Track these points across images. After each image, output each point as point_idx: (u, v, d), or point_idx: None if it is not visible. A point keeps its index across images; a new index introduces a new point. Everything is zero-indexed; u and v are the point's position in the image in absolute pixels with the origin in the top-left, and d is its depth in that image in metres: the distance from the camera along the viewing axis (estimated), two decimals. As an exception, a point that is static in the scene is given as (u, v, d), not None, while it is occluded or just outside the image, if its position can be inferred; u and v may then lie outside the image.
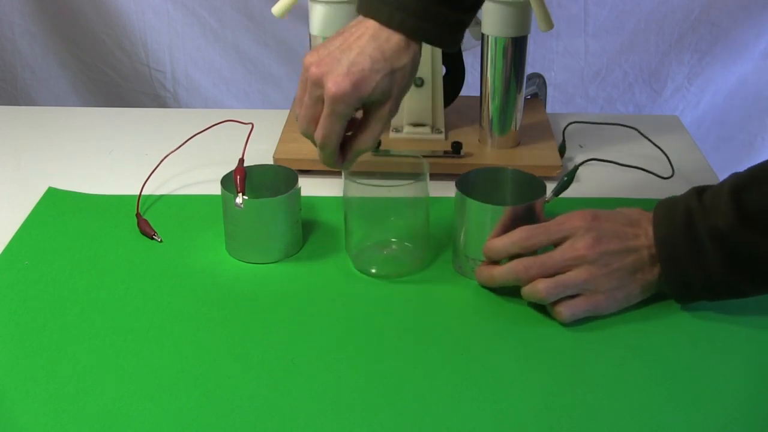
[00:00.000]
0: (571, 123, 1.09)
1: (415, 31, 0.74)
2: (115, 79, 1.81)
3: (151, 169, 0.94)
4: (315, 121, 0.75)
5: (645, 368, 0.68)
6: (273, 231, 0.81)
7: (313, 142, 0.76)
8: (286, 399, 0.65)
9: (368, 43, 0.73)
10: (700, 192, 0.72)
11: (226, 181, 0.81)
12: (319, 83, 0.73)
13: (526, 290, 0.73)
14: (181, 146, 0.94)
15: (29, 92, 1.81)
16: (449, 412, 0.64)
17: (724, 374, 0.68)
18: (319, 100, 0.74)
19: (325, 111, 0.73)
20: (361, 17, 0.75)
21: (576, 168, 0.86)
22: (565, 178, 0.85)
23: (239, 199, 0.79)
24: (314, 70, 0.73)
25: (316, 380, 0.67)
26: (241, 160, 0.85)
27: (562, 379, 0.67)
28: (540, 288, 0.71)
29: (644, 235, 0.72)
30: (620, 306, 0.73)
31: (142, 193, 0.92)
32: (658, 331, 0.72)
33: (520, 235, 0.74)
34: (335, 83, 0.72)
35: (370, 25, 0.73)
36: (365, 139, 0.76)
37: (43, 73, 1.80)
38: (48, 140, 1.09)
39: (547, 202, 0.79)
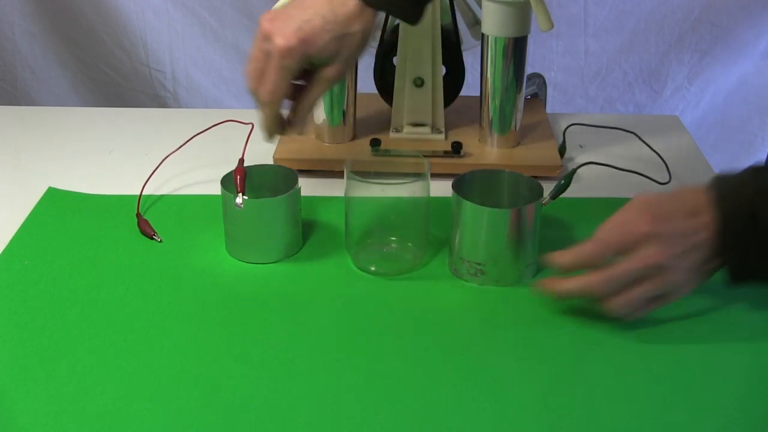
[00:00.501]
0: (571, 125, 1.09)
1: (376, 1, 0.76)
2: (115, 79, 1.81)
3: (152, 170, 0.94)
4: (262, 76, 0.76)
5: (645, 368, 0.68)
6: (273, 231, 0.81)
7: (258, 101, 0.78)
8: (286, 399, 0.65)
9: (323, 5, 0.75)
10: (760, 174, 0.70)
11: (226, 181, 0.81)
12: (268, 37, 0.75)
13: (607, 308, 0.71)
14: (181, 147, 0.94)
15: (29, 92, 1.81)
16: (449, 412, 0.63)
17: (724, 374, 0.68)
18: (268, 55, 0.75)
19: (272, 64, 0.75)
20: None
21: (574, 171, 0.85)
22: (563, 181, 0.84)
23: (239, 199, 0.79)
24: (266, 25, 0.75)
25: (316, 380, 0.67)
26: (241, 160, 0.85)
27: (562, 379, 0.67)
28: (621, 304, 0.70)
29: (704, 229, 0.69)
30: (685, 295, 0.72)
31: (143, 194, 0.91)
32: (658, 331, 0.72)
33: (582, 253, 0.71)
34: (284, 37, 0.73)
35: None
36: (305, 99, 0.79)
37: (43, 73, 1.80)
38: (48, 140, 1.09)
39: (545, 205, 0.79)
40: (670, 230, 0.68)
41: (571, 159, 1.03)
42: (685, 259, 0.69)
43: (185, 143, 0.95)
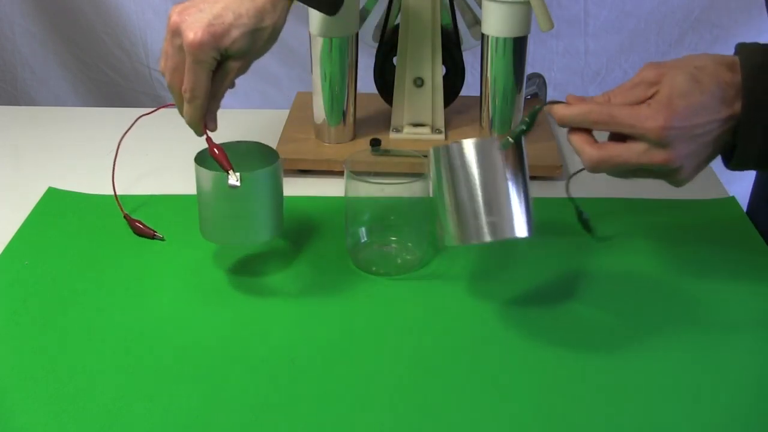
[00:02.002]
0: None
1: None
2: (115, 79, 1.81)
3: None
4: (179, 70, 0.75)
5: (645, 369, 0.68)
6: (268, 205, 0.76)
7: (178, 97, 0.76)
8: (286, 399, 0.65)
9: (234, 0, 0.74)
10: None
11: (205, 164, 0.74)
12: (177, 32, 0.74)
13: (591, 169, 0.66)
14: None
15: (29, 92, 1.81)
16: (449, 412, 0.63)
17: (724, 374, 0.68)
18: (180, 49, 0.74)
19: (188, 60, 0.73)
20: None
21: (536, 111, 0.69)
22: (527, 119, 0.69)
23: (233, 179, 0.72)
24: (175, 18, 0.74)
25: (316, 380, 0.67)
26: (210, 139, 0.77)
27: (563, 379, 0.67)
28: (610, 173, 0.66)
29: (729, 119, 0.64)
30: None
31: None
32: (658, 331, 0.72)
33: (582, 109, 0.66)
34: (194, 32, 0.72)
35: None
36: (214, 93, 0.77)
37: (43, 73, 1.80)
38: (48, 140, 1.09)
39: (503, 147, 0.67)
40: (689, 128, 0.63)
41: (571, 159, 1.03)
42: (696, 157, 0.65)
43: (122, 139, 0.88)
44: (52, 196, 0.94)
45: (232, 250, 0.83)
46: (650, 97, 0.64)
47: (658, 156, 0.63)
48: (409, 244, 0.83)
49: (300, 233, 0.86)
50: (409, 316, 0.74)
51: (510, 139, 0.66)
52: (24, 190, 0.95)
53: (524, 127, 0.68)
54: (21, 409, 0.64)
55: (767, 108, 0.63)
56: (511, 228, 0.67)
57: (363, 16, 1.05)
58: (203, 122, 0.77)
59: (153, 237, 0.85)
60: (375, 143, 1.01)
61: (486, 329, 0.73)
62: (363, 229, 0.82)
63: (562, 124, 0.68)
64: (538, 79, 1.18)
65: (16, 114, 1.20)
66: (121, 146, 1.08)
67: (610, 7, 1.74)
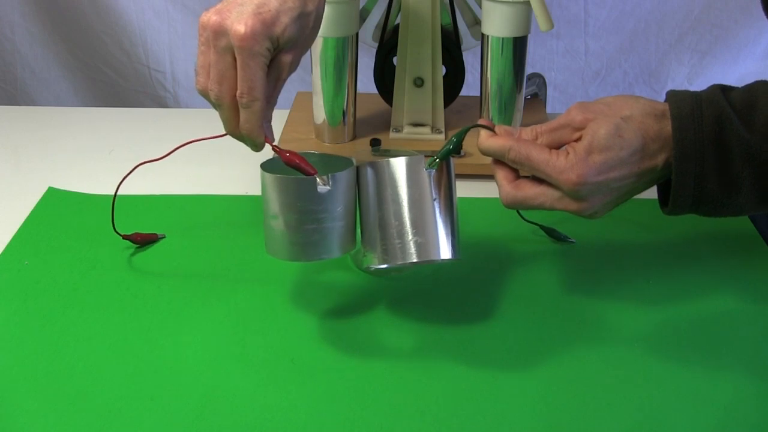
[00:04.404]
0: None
1: None
2: (115, 79, 1.81)
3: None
4: (227, 78, 0.67)
5: (645, 368, 0.68)
6: (355, 208, 0.69)
7: (228, 111, 0.69)
8: (286, 399, 0.65)
9: None
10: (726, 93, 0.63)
11: (275, 170, 0.68)
12: (222, 31, 0.66)
13: (502, 195, 0.66)
14: (167, 154, 0.87)
15: (29, 92, 1.81)
16: (449, 412, 0.63)
17: (724, 374, 0.68)
18: (227, 51, 0.66)
19: (240, 59, 0.66)
20: None
21: (464, 131, 0.68)
22: (454, 139, 0.68)
23: (322, 182, 0.65)
24: (215, 18, 0.66)
25: (316, 380, 0.67)
26: (277, 147, 0.70)
27: (563, 379, 0.67)
28: (514, 202, 0.65)
29: (652, 170, 0.63)
30: None
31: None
32: (659, 330, 0.72)
33: (503, 145, 0.65)
34: (243, 23, 0.65)
35: None
36: (270, 95, 0.70)
37: (43, 73, 1.80)
38: (48, 140, 1.09)
39: (430, 166, 0.66)
40: (604, 182, 0.63)
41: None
42: (611, 204, 0.65)
43: (174, 150, 0.86)
44: (52, 196, 0.94)
45: (232, 250, 0.83)
46: (575, 140, 0.64)
47: (571, 205, 0.64)
48: (409, 244, 0.83)
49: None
50: (408, 315, 0.74)
51: (437, 159, 0.66)
52: (24, 190, 0.95)
53: (450, 147, 0.67)
54: (21, 409, 0.63)
55: (697, 158, 0.62)
56: (437, 249, 0.66)
57: (363, 16, 1.05)
58: (263, 131, 0.69)
59: (154, 240, 0.85)
60: (375, 143, 1.01)
61: (486, 329, 0.73)
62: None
63: (483, 154, 0.67)
64: (538, 79, 1.18)
65: (16, 114, 1.20)
66: (120, 146, 1.08)
67: (610, 7, 1.74)
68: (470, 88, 1.09)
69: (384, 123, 1.06)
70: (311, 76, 1.00)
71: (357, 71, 1.02)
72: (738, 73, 1.81)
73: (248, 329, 0.73)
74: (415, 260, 0.66)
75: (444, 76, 1.03)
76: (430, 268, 0.80)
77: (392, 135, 1.04)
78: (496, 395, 0.65)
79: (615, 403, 0.64)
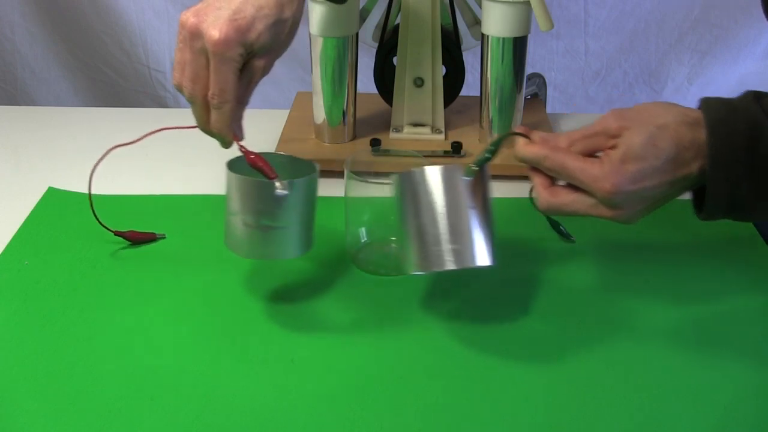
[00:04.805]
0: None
1: None
2: (115, 79, 1.81)
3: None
4: (200, 77, 0.70)
5: (645, 368, 0.68)
6: (311, 213, 0.72)
7: (200, 108, 0.72)
8: (286, 399, 0.65)
9: None
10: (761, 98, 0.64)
11: (244, 171, 0.70)
12: (198, 33, 0.69)
13: (537, 201, 0.67)
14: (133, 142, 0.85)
15: (29, 92, 1.81)
16: (449, 412, 0.63)
17: (725, 374, 0.68)
18: (202, 52, 0.69)
19: (213, 62, 0.69)
20: None
21: (501, 139, 0.70)
22: (491, 147, 0.69)
23: (281, 187, 0.67)
24: (193, 20, 0.69)
25: (316, 380, 0.67)
26: (243, 147, 0.73)
27: (562, 379, 0.67)
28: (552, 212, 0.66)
29: (687, 178, 0.64)
30: None
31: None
32: (658, 330, 0.72)
33: (538, 153, 0.65)
34: (218, 29, 0.68)
35: None
36: (241, 97, 0.72)
37: (43, 73, 1.80)
38: (48, 140, 1.09)
39: (466, 174, 0.66)
40: (639, 191, 0.63)
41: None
42: (646, 210, 0.65)
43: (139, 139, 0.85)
44: (52, 196, 0.94)
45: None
46: (610, 147, 0.64)
47: (606, 212, 0.64)
48: (409, 244, 0.83)
49: (300, 233, 0.86)
50: (409, 316, 0.74)
51: (474, 167, 0.66)
52: (24, 190, 0.95)
53: (488, 155, 0.68)
54: (21, 409, 0.63)
55: (730, 165, 0.63)
56: (473, 256, 0.66)
57: (363, 16, 1.05)
58: (232, 130, 0.73)
59: (152, 240, 0.85)
60: (375, 143, 1.01)
61: (487, 328, 0.73)
62: (363, 229, 0.82)
63: (519, 161, 0.68)
64: (538, 79, 1.18)
65: (16, 114, 1.20)
66: (120, 146, 1.08)
67: (610, 7, 1.74)
68: (470, 88, 1.09)
69: (384, 123, 1.06)
70: (311, 76, 1.00)
71: (357, 71, 1.01)
72: (738, 73, 1.81)
73: (248, 329, 0.73)
74: (452, 267, 0.66)
75: (444, 76, 1.03)
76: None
77: (392, 135, 1.04)
78: (497, 395, 0.65)
79: (615, 403, 0.64)
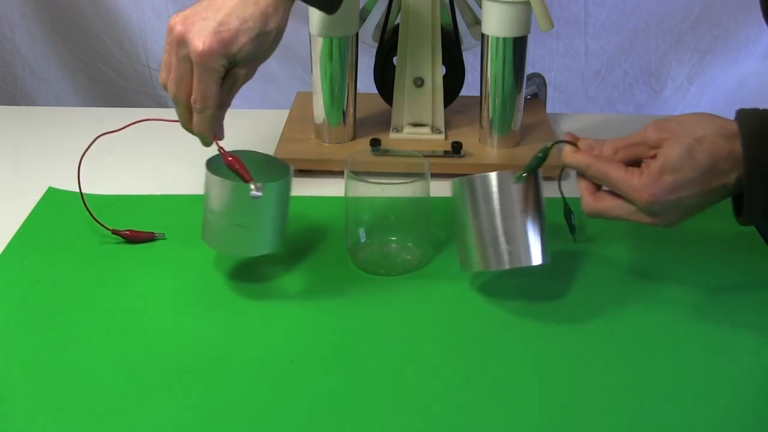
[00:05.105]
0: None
1: None
2: (115, 79, 1.81)
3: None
4: (184, 81, 0.74)
5: (645, 368, 0.68)
6: (282, 215, 0.77)
7: (184, 109, 0.76)
8: (286, 399, 0.65)
9: (237, 5, 0.73)
10: None
11: (217, 172, 0.74)
12: (183, 42, 0.72)
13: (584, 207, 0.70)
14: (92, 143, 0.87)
15: (29, 92, 1.81)
16: (449, 411, 0.63)
17: (725, 374, 0.68)
18: (186, 60, 0.73)
19: (196, 71, 0.72)
20: None
21: (549, 147, 0.73)
22: (540, 154, 0.72)
23: (255, 190, 0.72)
24: (179, 28, 0.72)
25: (316, 380, 0.67)
26: (222, 149, 0.77)
27: (563, 379, 0.67)
28: (597, 211, 0.69)
29: (723, 188, 0.66)
30: None
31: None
32: (659, 330, 0.72)
33: (583, 161, 0.69)
34: (202, 41, 0.71)
35: None
36: (220, 102, 0.76)
37: (43, 73, 1.80)
38: (48, 140, 1.09)
39: (517, 180, 0.71)
40: (676, 200, 0.66)
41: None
42: (684, 216, 0.68)
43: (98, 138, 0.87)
44: (52, 196, 0.94)
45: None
46: (651, 157, 0.67)
47: (646, 219, 0.68)
48: (409, 244, 0.83)
49: (300, 233, 0.86)
50: (409, 316, 0.74)
51: (524, 174, 0.71)
52: (24, 190, 0.95)
53: (536, 163, 0.72)
54: (21, 409, 0.64)
55: (765, 175, 0.65)
56: (528, 256, 0.72)
57: (363, 16, 1.05)
58: (212, 132, 0.77)
59: (152, 239, 0.85)
60: (375, 143, 1.01)
61: (486, 329, 0.73)
62: (363, 229, 0.82)
63: (566, 167, 0.72)
64: (538, 79, 1.18)
65: (16, 114, 1.20)
66: (120, 146, 1.08)
67: (610, 7, 1.74)
68: (470, 88, 1.09)
69: (384, 123, 1.06)
70: (311, 76, 1.00)
71: (357, 71, 1.01)
72: (738, 73, 1.81)
73: (248, 329, 0.73)
74: (507, 267, 0.72)
75: (444, 76, 1.03)
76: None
77: (392, 135, 1.04)
78: (498, 395, 0.65)
79: (615, 403, 0.64)
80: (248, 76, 0.77)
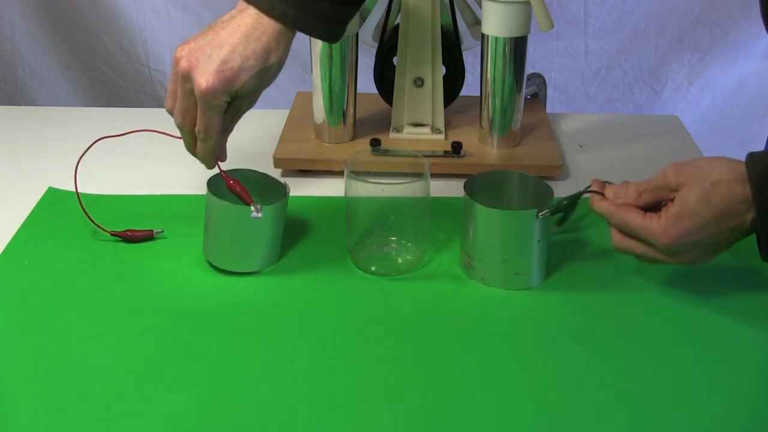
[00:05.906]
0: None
1: (295, 22, 0.76)
2: (115, 79, 1.81)
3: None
4: (189, 113, 0.76)
5: (645, 368, 0.68)
6: (278, 234, 0.81)
7: (188, 136, 0.78)
8: (286, 399, 0.65)
9: (240, 41, 0.74)
10: None
11: (217, 191, 0.79)
12: (188, 77, 0.74)
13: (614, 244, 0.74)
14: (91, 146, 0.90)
15: (29, 92, 1.81)
16: (449, 411, 0.63)
17: (725, 374, 0.68)
18: (191, 94, 0.75)
19: (200, 106, 0.75)
20: (238, 6, 0.76)
21: (578, 196, 0.77)
22: (565, 202, 0.78)
23: (256, 212, 0.77)
24: (184, 65, 0.74)
25: (316, 380, 0.67)
26: (222, 172, 0.81)
27: (563, 379, 0.67)
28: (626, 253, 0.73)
29: (739, 229, 0.70)
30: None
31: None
32: (659, 330, 0.72)
33: (606, 210, 0.73)
34: (205, 79, 0.73)
35: (243, 23, 0.75)
36: (222, 129, 0.78)
37: (43, 73, 1.80)
38: (48, 140, 1.09)
39: (539, 217, 0.76)
40: (694, 242, 0.69)
41: (571, 159, 1.03)
42: (707, 255, 0.72)
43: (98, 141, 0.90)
44: (52, 196, 0.94)
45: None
46: (671, 199, 0.70)
47: (668, 258, 0.71)
48: (409, 244, 0.83)
49: (300, 233, 0.86)
50: (409, 316, 0.74)
51: (546, 214, 0.76)
52: (24, 190, 0.95)
53: (562, 214, 0.82)
54: (21, 409, 0.64)
55: None
56: (535, 279, 0.79)
57: (363, 16, 1.05)
58: (215, 157, 0.79)
59: (151, 238, 0.85)
60: (375, 143, 1.01)
61: (486, 329, 0.73)
62: (363, 230, 0.82)
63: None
64: (538, 79, 1.18)
65: (16, 114, 1.20)
66: (120, 147, 1.08)
67: (610, 7, 1.74)
68: (470, 88, 1.09)
69: (384, 123, 1.06)
70: (311, 76, 1.00)
71: (357, 71, 1.02)
72: (738, 73, 1.81)
73: (248, 329, 0.73)
74: (517, 288, 0.78)
75: (444, 76, 1.03)
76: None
77: (392, 135, 1.04)
78: (497, 395, 0.65)
79: (615, 404, 0.64)
80: (250, 106, 0.80)
